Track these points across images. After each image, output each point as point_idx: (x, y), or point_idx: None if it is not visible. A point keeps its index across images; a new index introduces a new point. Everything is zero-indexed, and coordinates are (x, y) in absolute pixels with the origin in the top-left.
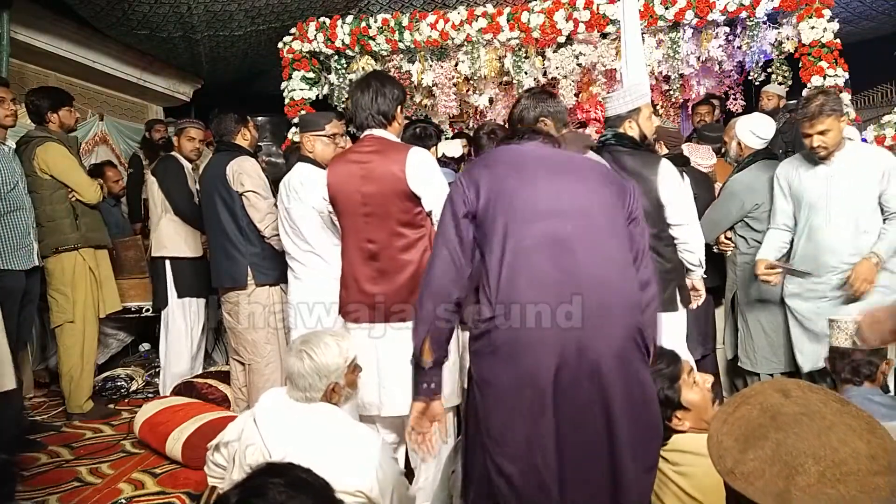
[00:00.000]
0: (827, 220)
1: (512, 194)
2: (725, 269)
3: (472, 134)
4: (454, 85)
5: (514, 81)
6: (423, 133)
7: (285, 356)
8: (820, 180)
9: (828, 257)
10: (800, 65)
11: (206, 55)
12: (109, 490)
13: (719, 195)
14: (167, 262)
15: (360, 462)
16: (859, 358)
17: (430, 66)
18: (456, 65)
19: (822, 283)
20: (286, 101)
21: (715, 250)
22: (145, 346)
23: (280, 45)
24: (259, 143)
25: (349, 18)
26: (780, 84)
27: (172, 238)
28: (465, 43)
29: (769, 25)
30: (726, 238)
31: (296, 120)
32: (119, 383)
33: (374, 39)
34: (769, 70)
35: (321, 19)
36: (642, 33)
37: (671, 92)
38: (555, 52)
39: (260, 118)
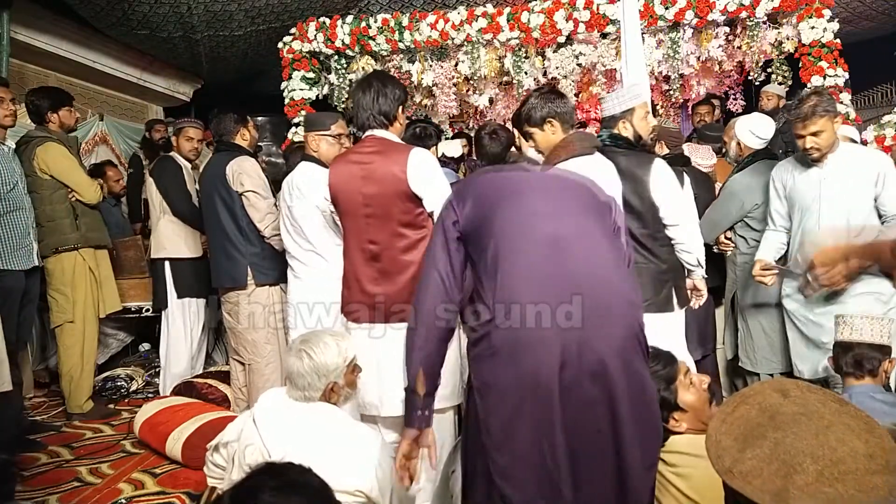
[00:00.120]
0: (818, 222)
1: (504, 201)
2: (725, 269)
3: (472, 134)
4: (454, 85)
5: (514, 81)
6: (422, 133)
7: (285, 356)
8: (812, 183)
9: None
10: (800, 65)
11: (206, 55)
12: (109, 490)
13: (719, 195)
14: (166, 263)
15: (359, 462)
16: (863, 351)
17: (430, 66)
18: (456, 65)
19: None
20: (286, 101)
21: (715, 250)
22: (145, 346)
23: (280, 45)
24: (259, 143)
25: (349, 18)
26: (780, 84)
27: (171, 239)
28: (465, 43)
29: (769, 25)
30: (726, 238)
31: (297, 120)
32: (119, 383)
33: (374, 39)
34: (769, 70)
35: (321, 19)
36: (642, 33)
37: (671, 92)
38: (555, 52)
39: (260, 118)
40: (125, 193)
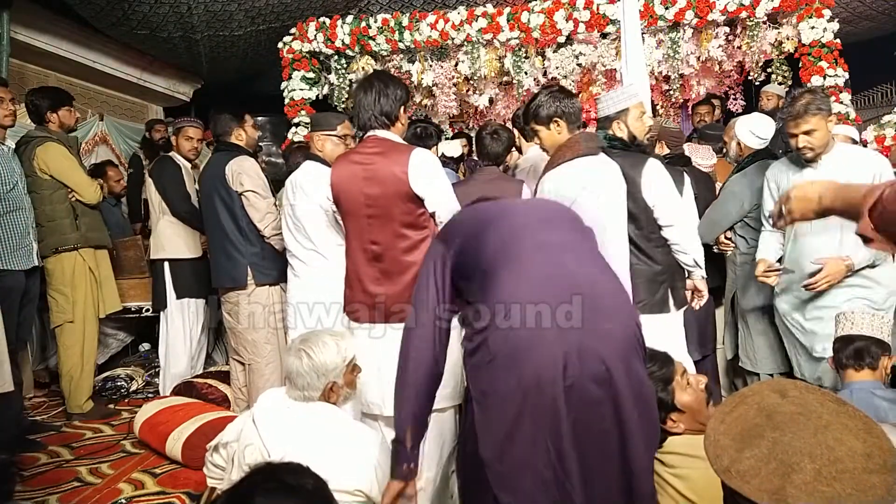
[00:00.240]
0: (810, 225)
1: (493, 220)
2: (725, 269)
3: (472, 134)
4: (454, 85)
5: (514, 81)
6: (423, 133)
7: (284, 355)
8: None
9: (810, 263)
10: (800, 65)
11: (206, 55)
12: (109, 490)
13: (719, 195)
14: (166, 264)
15: (359, 461)
16: (863, 344)
17: (430, 66)
18: (456, 65)
19: (803, 289)
20: (286, 101)
21: (715, 250)
22: (145, 346)
23: (280, 45)
24: (259, 143)
25: (349, 18)
26: (780, 84)
27: (171, 240)
28: (465, 43)
29: (769, 25)
30: (726, 238)
31: (297, 120)
32: (119, 383)
33: (374, 39)
34: (769, 70)
35: (321, 19)
36: (642, 33)
37: (671, 92)
38: (555, 52)
39: (260, 118)
40: (125, 193)
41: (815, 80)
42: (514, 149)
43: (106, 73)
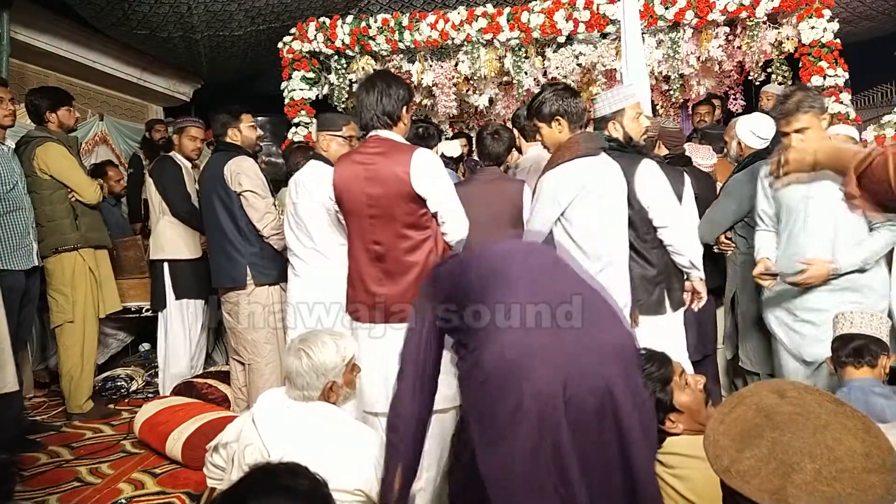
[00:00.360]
0: (804, 225)
1: (477, 249)
2: (725, 269)
3: (472, 134)
4: (454, 85)
5: (514, 81)
6: (426, 133)
7: (284, 355)
8: (800, 184)
9: (796, 262)
10: (800, 65)
11: (206, 55)
12: (109, 490)
13: (719, 195)
14: (165, 265)
15: (359, 461)
16: (863, 342)
17: (430, 66)
18: (456, 65)
19: (795, 290)
20: (286, 101)
21: (715, 250)
22: (145, 346)
23: (280, 45)
24: (259, 143)
25: (349, 18)
26: (780, 84)
27: (171, 240)
28: (465, 43)
29: (769, 25)
30: (726, 238)
31: (297, 120)
32: (119, 383)
33: (374, 39)
34: (769, 70)
35: (321, 19)
36: (642, 33)
37: (671, 92)
38: (555, 52)
39: (260, 118)
40: (125, 193)
41: (816, 80)
42: (514, 149)
43: (106, 73)
